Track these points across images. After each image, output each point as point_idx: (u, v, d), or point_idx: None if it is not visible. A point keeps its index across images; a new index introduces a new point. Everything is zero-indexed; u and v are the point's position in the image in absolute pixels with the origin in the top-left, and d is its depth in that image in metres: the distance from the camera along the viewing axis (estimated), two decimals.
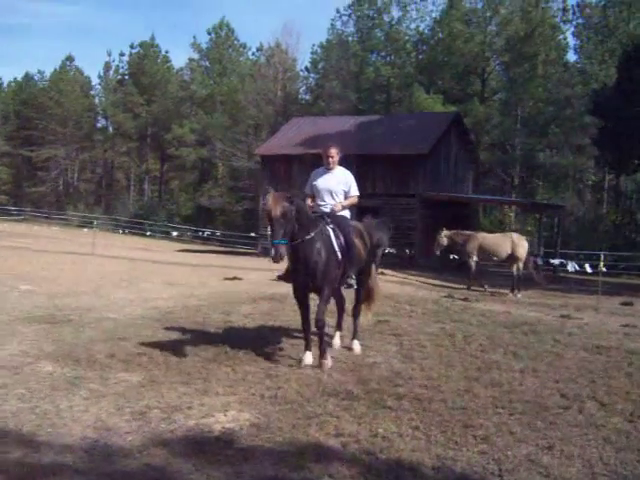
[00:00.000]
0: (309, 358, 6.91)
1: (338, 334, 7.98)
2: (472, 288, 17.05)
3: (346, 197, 7.41)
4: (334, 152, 7.37)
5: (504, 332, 9.32)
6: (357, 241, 7.39)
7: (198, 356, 6.96)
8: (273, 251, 6.17)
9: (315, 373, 6.43)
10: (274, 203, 6.19)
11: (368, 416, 5.13)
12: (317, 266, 6.62)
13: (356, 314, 7.98)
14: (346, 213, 7.49)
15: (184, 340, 7.75)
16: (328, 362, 6.81)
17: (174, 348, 7.20)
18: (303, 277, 6.72)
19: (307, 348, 7.03)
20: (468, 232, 17.78)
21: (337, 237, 6.99)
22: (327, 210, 7.26)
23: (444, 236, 17.89)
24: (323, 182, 7.38)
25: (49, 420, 4.77)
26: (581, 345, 8.58)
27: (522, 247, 16.79)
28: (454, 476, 4.09)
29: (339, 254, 6.91)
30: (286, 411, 5.18)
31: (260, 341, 7.91)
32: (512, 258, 16.89)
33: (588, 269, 16.74)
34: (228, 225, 48.49)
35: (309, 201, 7.38)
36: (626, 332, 10.04)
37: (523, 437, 4.81)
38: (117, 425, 4.74)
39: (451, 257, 18.40)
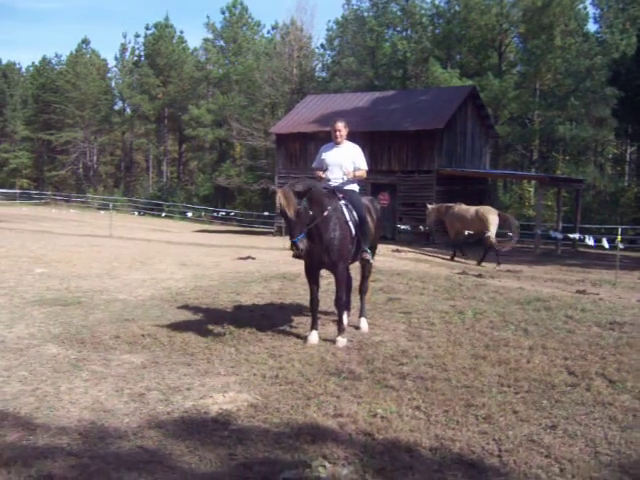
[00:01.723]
0: (314, 337, 6.90)
1: (346, 314, 7.93)
2: (482, 264, 17.09)
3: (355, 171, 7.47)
4: (341, 126, 7.45)
5: (516, 309, 9.16)
6: (368, 217, 7.40)
7: (203, 336, 6.94)
8: (295, 248, 6.27)
9: (319, 352, 6.37)
10: (287, 204, 6.15)
11: (369, 396, 5.06)
12: (332, 242, 6.70)
13: (363, 291, 7.94)
14: (355, 187, 7.48)
15: (191, 321, 7.74)
16: (344, 340, 6.85)
17: (180, 329, 7.21)
18: (318, 254, 6.74)
19: (313, 327, 7.02)
20: (450, 204, 18.06)
21: (350, 213, 7.06)
22: (337, 184, 7.30)
23: (430, 210, 18.44)
24: (332, 157, 7.45)
25: (48, 402, 4.78)
26: (594, 321, 8.40)
27: (484, 221, 16.91)
28: (451, 457, 4.01)
29: (353, 230, 6.98)
30: (286, 391, 5.14)
31: (267, 320, 7.88)
32: (477, 229, 17.43)
33: (605, 244, 16.44)
34: (246, 204, 48.52)
35: (320, 174, 7.43)
36: None
37: (526, 416, 4.72)
38: (115, 407, 4.73)
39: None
